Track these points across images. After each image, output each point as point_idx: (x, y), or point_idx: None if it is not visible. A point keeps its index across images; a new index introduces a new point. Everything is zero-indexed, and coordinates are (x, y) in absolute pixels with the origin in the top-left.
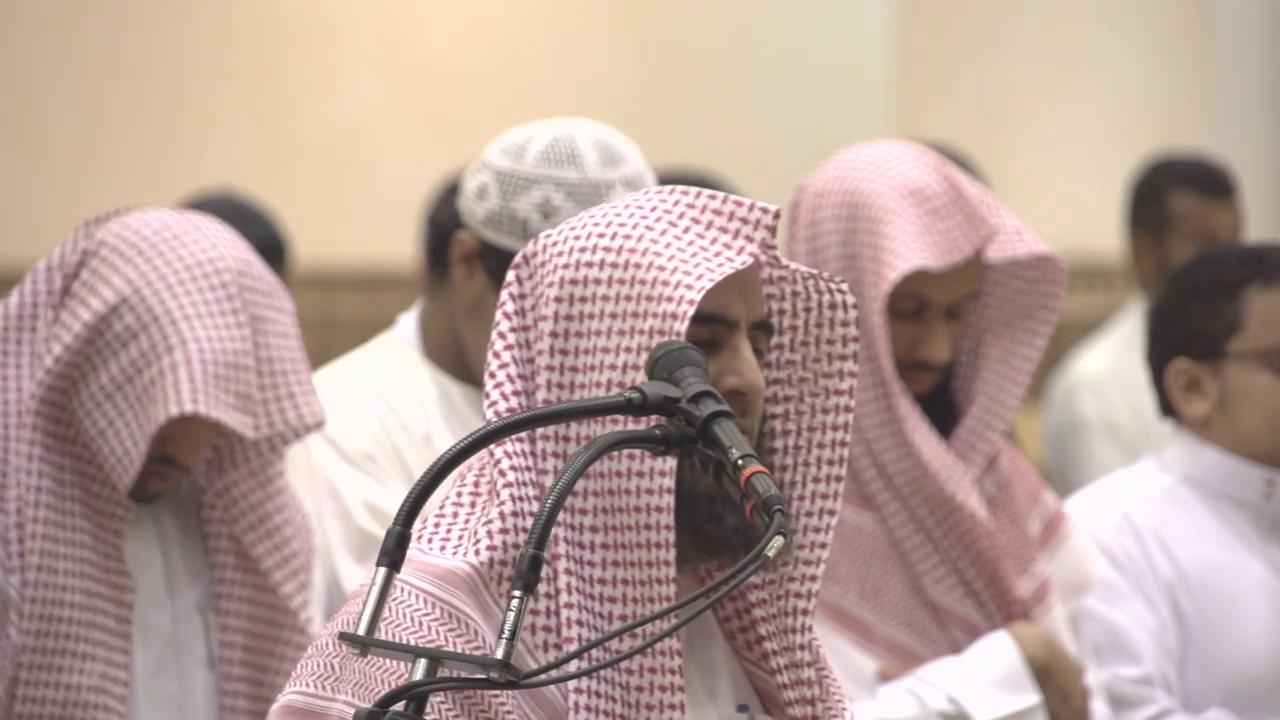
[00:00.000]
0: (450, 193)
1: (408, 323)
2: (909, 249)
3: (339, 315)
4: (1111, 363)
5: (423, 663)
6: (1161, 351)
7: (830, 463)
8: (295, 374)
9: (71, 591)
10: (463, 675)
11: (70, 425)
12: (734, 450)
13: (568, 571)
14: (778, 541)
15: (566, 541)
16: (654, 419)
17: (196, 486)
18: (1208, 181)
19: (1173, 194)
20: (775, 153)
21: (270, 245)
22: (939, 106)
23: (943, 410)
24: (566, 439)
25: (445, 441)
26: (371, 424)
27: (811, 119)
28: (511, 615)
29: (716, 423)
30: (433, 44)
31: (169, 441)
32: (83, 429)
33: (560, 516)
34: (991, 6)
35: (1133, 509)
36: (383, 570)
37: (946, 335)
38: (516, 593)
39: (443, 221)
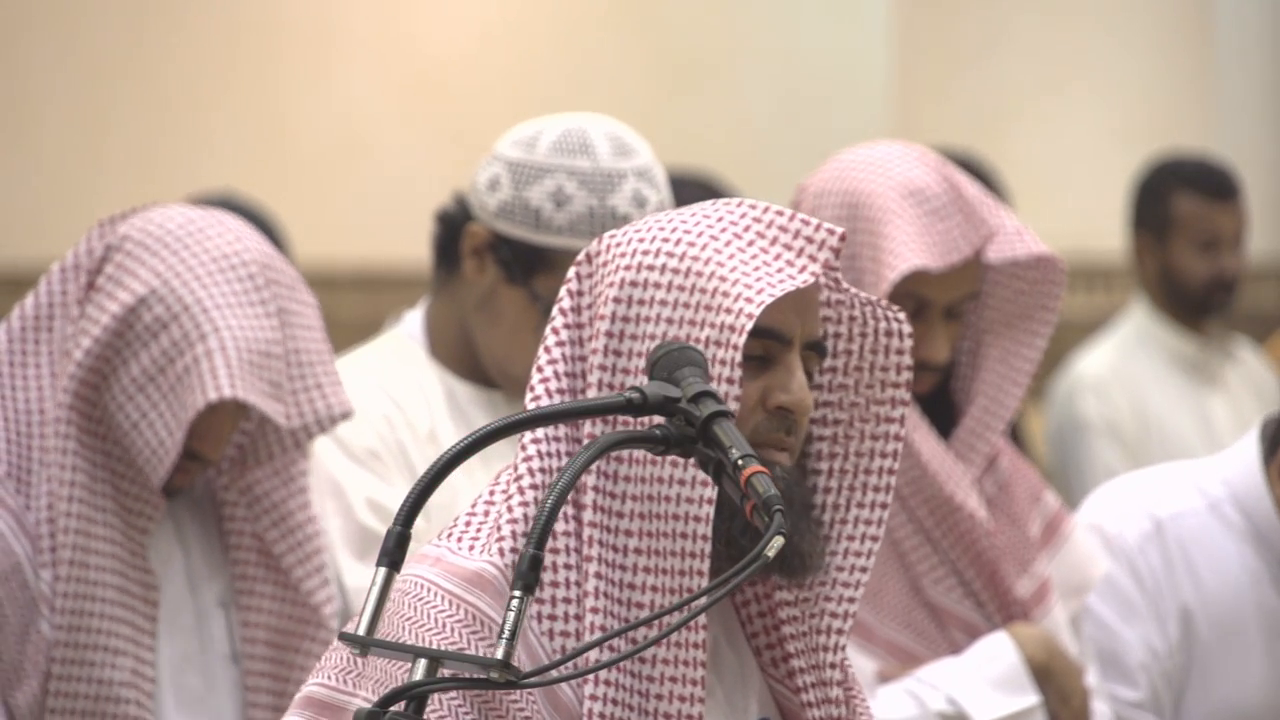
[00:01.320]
0: (461, 196)
1: (413, 320)
2: (909, 249)
3: (339, 315)
4: (1113, 363)
5: (423, 663)
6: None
7: (877, 489)
8: (322, 365)
9: (103, 587)
10: (471, 675)
11: (102, 421)
12: (734, 450)
13: (598, 575)
14: (777, 542)
15: (601, 544)
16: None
17: (215, 485)
18: (1211, 183)
19: (1176, 195)
20: (775, 153)
21: None
22: (939, 107)
23: (942, 411)
24: None
25: (450, 439)
26: (377, 420)
27: (811, 119)
28: (511, 615)
29: (716, 423)
30: (433, 44)
31: (194, 436)
32: (115, 423)
33: (596, 518)
34: (991, 7)
35: (1167, 519)
36: (383, 570)
37: (946, 336)
38: (516, 593)
39: (452, 218)
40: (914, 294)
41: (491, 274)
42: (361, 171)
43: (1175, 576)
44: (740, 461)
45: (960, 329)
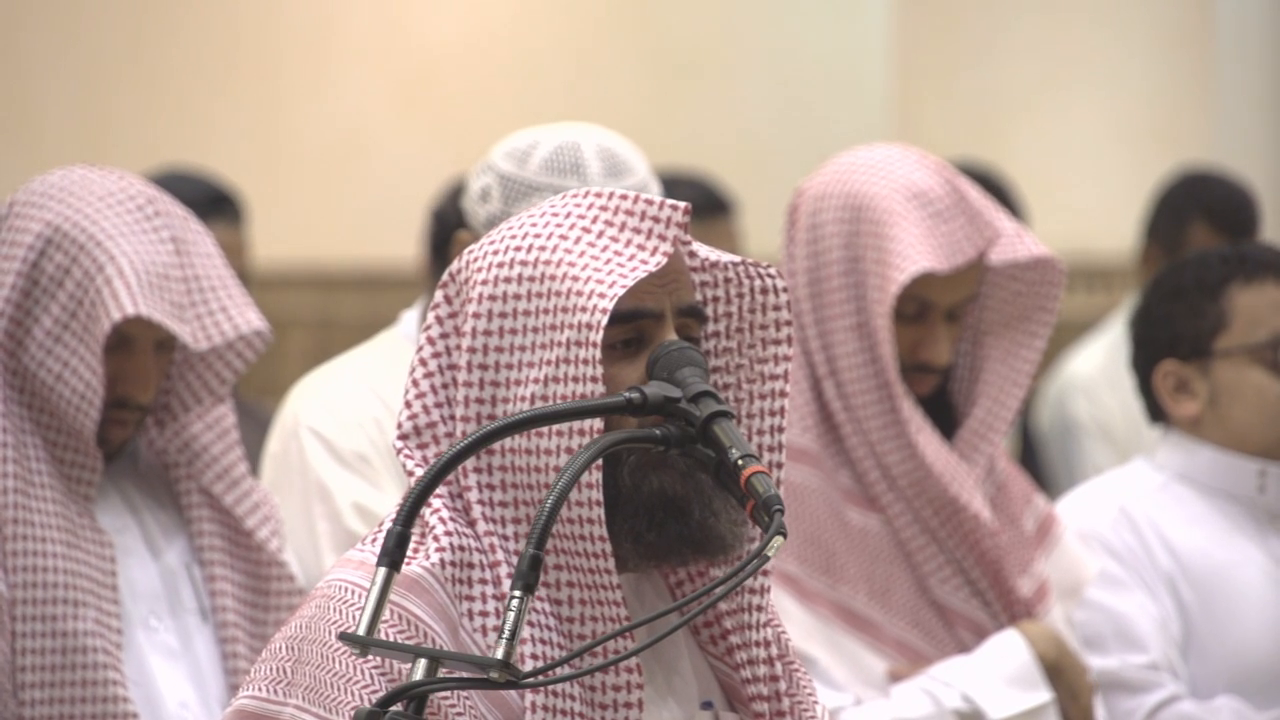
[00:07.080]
0: (456, 190)
1: (409, 320)
2: (915, 251)
3: (339, 315)
4: (1103, 363)
5: (423, 663)
6: (1147, 355)
7: (770, 449)
8: (225, 289)
9: (51, 543)
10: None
11: (23, 388)
12: (734, 450)
13: (509, 576)
14: (778, 541)
15: (504, 551)
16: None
17: (158, 448)
18: (1231, 221)
19: (1194, 223)
20: (775, 153)
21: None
22: (939, 108)
23: (941, 412)
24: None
25: None
26: (366, 424)
27: (811, 120)
28: (511, 615)
29: (716, 422)
30: (433, 44)
31: (118, 381)
32: (39, 382)
33: (492, 528)
34: (992, 8)
35: (1129, 502)
36: (383, 570)
37: (948, 338)
38: (516, 593)
39: (446, 218)
40: (917, 296)
41: None
42: (361, 171)
43: (1151, 549)
44: (740, 462)
45: (960, 331)
